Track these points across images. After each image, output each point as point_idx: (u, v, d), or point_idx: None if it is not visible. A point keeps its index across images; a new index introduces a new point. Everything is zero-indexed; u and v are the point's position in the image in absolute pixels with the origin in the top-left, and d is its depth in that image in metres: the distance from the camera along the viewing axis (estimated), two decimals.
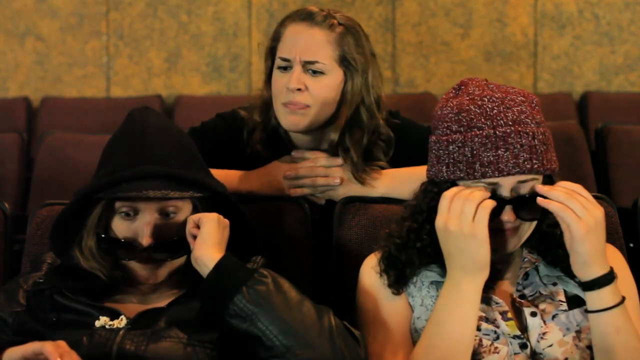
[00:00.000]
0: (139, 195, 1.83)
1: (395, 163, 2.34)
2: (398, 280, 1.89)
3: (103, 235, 1.89)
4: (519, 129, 1.79)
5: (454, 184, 1.83)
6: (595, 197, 2.20)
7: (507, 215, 1.80)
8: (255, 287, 1.76)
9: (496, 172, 1.78)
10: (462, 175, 1.81)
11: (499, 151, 1.78)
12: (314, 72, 2.28)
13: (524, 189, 1.82)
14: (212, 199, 1.92)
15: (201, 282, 1.80)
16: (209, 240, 1.82)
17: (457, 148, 1.81)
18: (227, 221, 1.87)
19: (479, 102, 1.82)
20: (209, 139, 2.36)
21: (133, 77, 5.28)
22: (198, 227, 1.85)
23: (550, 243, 1.90)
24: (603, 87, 5.20)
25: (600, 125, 3.76)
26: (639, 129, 3.73)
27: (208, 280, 1.78)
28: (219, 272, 1.78)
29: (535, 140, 1.80)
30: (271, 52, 2.36)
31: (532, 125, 1.81)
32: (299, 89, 2.27)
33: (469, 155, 1.80)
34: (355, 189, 2.32)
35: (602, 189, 3.49)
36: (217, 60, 5.27)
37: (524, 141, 1.79)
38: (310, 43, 2.28)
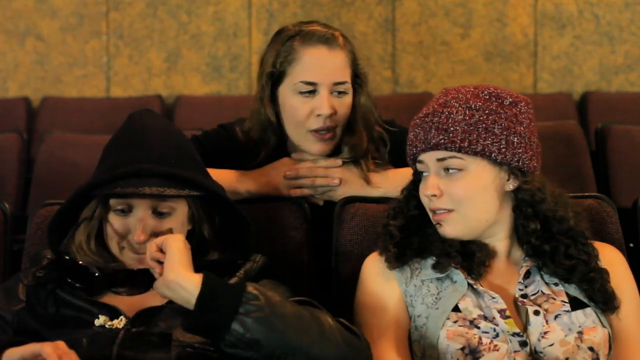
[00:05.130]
0: (135, 192, 1.83)
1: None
2: (398, 257, 1.94)
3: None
4: (439, 109, 1.90)
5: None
6: (595, 197, 2.22)
7: None
8: (252, 314, 1.65)
9: (413, 148, 1.93)
10: (407, 158, 1.97)
11: (417, 129, 1.92)
12: (339, 93, 2.30)
13: (449, 165, 1.88)
14: (208, 200, 1.92)
15: (184, 313, 1.67)
16: (181, 261, 1.69)
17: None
18: (189, 244, 1.76)
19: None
20: (211, 147, 2.36)
21: (133, 77, 5.27)
22: (161, 251, 1.73)
23: (543, 258, 1.92)
24: (603, 87, 5.19)
25: (600, 125, 3.75)
26: (639, 129, 3.72)
27: (196, 309, 1.64)
28: (206, 298, 1.64)
29: (450, 120, 1.87)
30: (279, 75, 2.31)
31: (459, 108, 1.89)
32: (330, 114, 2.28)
33: (407, 139, 1.96)
34: (354, 189, 2.32)
35: (602, 189, 3.49)
36: (217, 60, 5.26)
37: (435, 119, 1.89)
38: (336, 65, 2.30)
